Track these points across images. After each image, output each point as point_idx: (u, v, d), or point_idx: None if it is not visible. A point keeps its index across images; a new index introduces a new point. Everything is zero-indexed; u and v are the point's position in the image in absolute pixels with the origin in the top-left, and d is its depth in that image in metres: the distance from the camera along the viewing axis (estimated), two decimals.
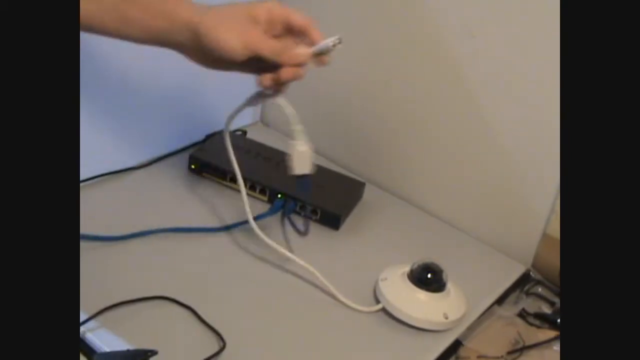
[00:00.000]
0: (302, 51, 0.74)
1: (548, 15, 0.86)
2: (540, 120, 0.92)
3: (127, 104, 0.99)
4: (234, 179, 0.99)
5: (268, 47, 0.73)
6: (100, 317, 0.75)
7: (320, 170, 1.05)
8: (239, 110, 0.83)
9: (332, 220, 0.97)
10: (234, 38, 0.72)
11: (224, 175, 1.01)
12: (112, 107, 0.98)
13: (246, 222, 0.91)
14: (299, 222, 0.96)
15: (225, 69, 0.76)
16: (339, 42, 0.73)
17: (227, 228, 0.93)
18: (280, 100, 0.77)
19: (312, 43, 0.74)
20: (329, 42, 0.73)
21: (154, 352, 0.71)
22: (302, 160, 0.79)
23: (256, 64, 0.74)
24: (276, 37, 0.75)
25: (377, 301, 0.85)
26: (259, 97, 0.80)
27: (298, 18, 0.74)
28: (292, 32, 0.75)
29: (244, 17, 0.73)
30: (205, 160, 1.02)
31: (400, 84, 1.04)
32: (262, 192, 0.99)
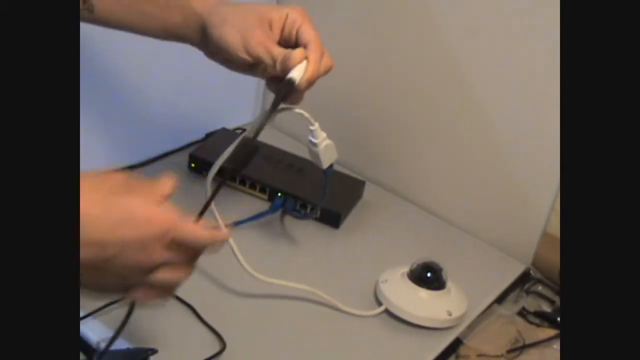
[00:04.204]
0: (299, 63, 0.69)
1: (548, 14, 0.86)
2: (541, 119, 0.92)
3: (127, 102, 0.99)
4: (234, 178, 0.99)
5: (267, 53, 0.70)
6: (101, 314, 0.75)
7: (320, 169, 1.05)
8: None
9: (332, 219, 0.97)
10: (237, 39, 0.69)
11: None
12: (112, 106, 0.98)
13: (246, 221, 0.91)
14: (296, 223, 0.96)
15: (239, 70, 0.74)
16: (292, 82, 0.69)
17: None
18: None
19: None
20: (292, 74, 0.69)
21: (154, 351, 0.71)
22: (328, 152, 0.79)
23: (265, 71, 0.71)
24: (287, 45, 0.71)
25: (378, 303, 0.85)
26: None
27: (306, 31, 0.70)
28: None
29: (255, 19, 0.70)
30: (205, 159, 1.02)
31: (400, 82, 1.04)
32: (262, 190, 0.99)
